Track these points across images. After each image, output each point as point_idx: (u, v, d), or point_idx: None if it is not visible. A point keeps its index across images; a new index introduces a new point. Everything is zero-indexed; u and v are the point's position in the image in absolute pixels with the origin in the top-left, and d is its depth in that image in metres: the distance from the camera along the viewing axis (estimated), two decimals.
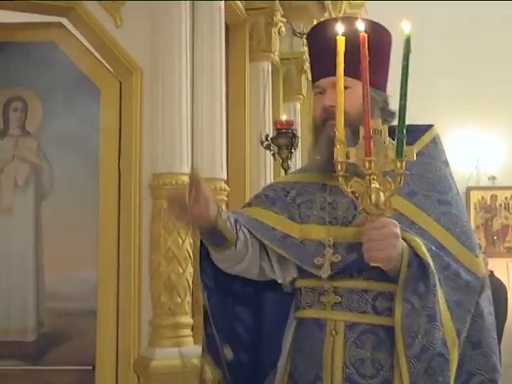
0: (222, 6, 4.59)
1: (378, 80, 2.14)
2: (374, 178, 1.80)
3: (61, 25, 4.37)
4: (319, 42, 2.20)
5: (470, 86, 12.18)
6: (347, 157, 1.85)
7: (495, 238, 13.13)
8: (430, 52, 11.86)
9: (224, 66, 4.60)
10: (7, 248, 4.36)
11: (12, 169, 4.40)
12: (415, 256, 1.93)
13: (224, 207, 4.41)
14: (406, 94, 1.79)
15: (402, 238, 1.93)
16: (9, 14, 4.29)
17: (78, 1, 4.18)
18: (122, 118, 4.32)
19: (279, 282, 2.26)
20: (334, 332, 2.10)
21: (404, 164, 1.79)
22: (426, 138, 2.18)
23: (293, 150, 4.98)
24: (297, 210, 2.23)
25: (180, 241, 4.12)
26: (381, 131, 1.86)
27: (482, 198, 12.84)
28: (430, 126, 2.25)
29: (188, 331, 4.18)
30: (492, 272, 8.66)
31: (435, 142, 2.20)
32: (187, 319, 4.18)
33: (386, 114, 2.17)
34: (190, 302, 4.20)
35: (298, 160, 6.03)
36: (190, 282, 4.19)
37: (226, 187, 4.48)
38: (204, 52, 4.46)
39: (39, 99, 4.43)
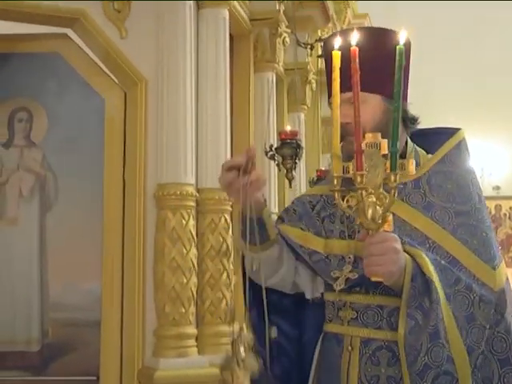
0: (227, 17, 4.61)
1: (391, 88, 2.09)
2: (371, 193, 1.78)
3: (66, 36, 4.39)
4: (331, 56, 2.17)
5: (473, 95, 12.18)
6: (347, 171, 1.83)
7: (500, 247, 13.10)
8: (433, 60, 11.87)
9: (228, 77, 4.62)
10: (12, 258, 4.37)
11: (17, 179, 4.41)
12: (420, 271, 1.90)
13: (228, 218, 4.41)
14: (399, 107, 1.76)
15: (409, 253, 1.92)
16: (14, 25, 4.31)
17: (84, 11, 4.20)
18: (127, 129, 4.34)
19: (307, 297, 2.27)
20: (349, 348, 2.10)
21: (398, 177, 1.76)
22: (450, 144, 2.13)
23: (297, 161, 4.97)
24: (321, 224, 2.23)
25: (184, 251, 4.12)
26: (379, 144, 1.82)
27: (487, 207, 12.83)
28: (457, 130, 2.19)
29: (192, 341, 4.18)
30: None
31: (459, 147, 2.14)
32: (191, 329, 4.18)
33: (406, 123, 2.15)
34: (194, 313, 4.20)
35: (302, 170, 6.03)
36: (195, 293, 4.19)
37: None
38: (209, 63, 4.47)
39: (44, 110, 4.45)
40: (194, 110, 4.33)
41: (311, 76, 6.73)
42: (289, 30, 5.76)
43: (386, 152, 1.78)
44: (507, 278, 2.01)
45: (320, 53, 7.11)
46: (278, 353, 2.29)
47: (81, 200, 4.37)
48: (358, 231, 2.09)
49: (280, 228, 2.28)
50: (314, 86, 6.90)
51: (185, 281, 4.11)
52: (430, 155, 2.18)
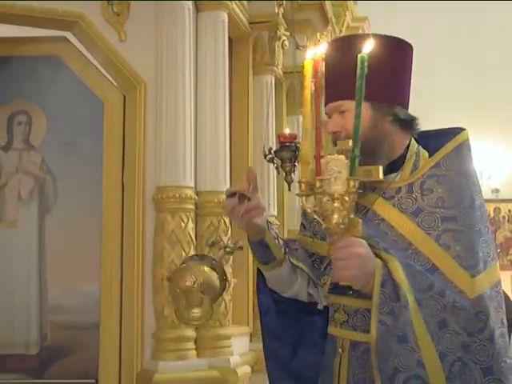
0: (226, 20, 4.62)
1: (380, 93, 2.09)
2: (337, 198, 1.79)
3: (65, 39, 4.39)
4: (325, 66, 2.19)
5: (473, 96, 12.19)
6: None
7: (499, 250, 13.10)
8: (432, 62, 11.87)
9: (227, 80, 4.62)
10: (11, 261, 4.37)
11: (16, 182, 4.42)
12: (391, 277, 1.89)
13: (227, 220, 4.41)
14: (359, 114, 1.78)
15: (381, 259, 1.92)
16: (13, 28, 4.32)
17: (83, 14, 4.20)
18: (126, 132, 4.34)
19: (318, 308, 2.29)
20: (340, 350, 2.13)
21: (356, 183, 1.78)
22: (448, 147, 2.09)
23: (296, 164, 4.97)
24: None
25: (183, 254, 4.12)
26: (347, 151, 1.85)
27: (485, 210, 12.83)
28: (459, 132, 2.15)
29: (191, 344, 4.18)
30: None
31: (459, 149, 2.09)
32: (190, 332, 4.18)
33: (404, 126, 2.14)
34: None
35: (301, 173, 6.02)
36: None
37: None
38: (208, 66, 4.48)
39: (43, 113, 4.45)
40: (192, 113, 4.33)
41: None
42: (288, 33, 5.77)
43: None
44: (496, 285, 1.98)
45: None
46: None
47: (80, 203, 4.38)
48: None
49: (298, 239, 2.36)
50: (313, 89, 6.89)
51: None
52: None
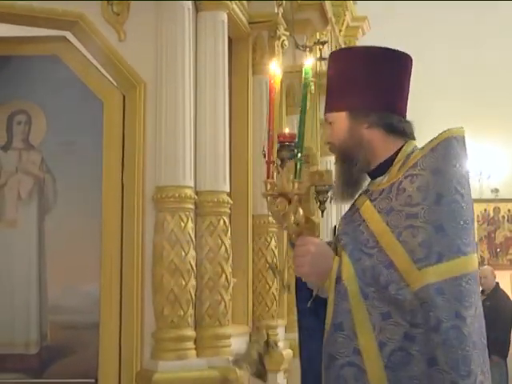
0: (226, 20, 4.62)
1: (354, 102, 2.22)
2: (298, 200, 1.98)
3: (64, 38, 4.39)
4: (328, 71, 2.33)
5: (472, 98, 12.18)
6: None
7: (498, 250, 13.11)
8: (432, 62, 11.87)
9: (227, 80, 4.62)
10: (11, 261, 4.37)
11: (15, 182, 4.42)
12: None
13: (226, 220, 4.42)
14: (304, 120, 1.98)
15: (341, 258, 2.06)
16: (13, 28, 4.32)
17: (83, 14, 4.20)
18: (126, 132, 4.34)
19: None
20: None
21: (297, 185, 2.00)
22: (428, 147, 2.15)
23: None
24: None
25: (183, 254, 4.13)
26: (308, 156, 2.05)
27: (485, 210, 12.84)
28: (442, 133, 2.19)
29: (191, 344, 4.18)
30: (497, 284, 8.67)
31: (435, 149, 2.13)
32: (190, 332, 4.18)
33: (383, 130, 2.21)
34: (192, 315, 4.20)
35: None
36: (193, 295, 4.19)
37: (229, 200, 4.48)
38: (207, 65, 4.48)
39: (43, 112, 4.45)
40: (192, 113, 4.33)
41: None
42: (287, 33, 5.77)
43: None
44: (458, 278, 2.00)
45: (319, 55, 7.12)
46: None
47: (79, 203, 4.38)
48: None
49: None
50: (313, 88, 6.90)
51: (183, 283, 4.12)
52: None
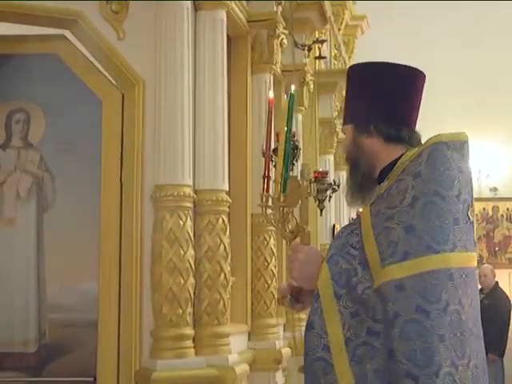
0: (224, 18, 4.62)
1: (356, 115, 2.42)
2: (291, 211, 2.22)
3: (63, 37, 4.39)
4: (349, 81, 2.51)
5: (472, 96, 12.19)
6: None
7: (497, 248, 13.13)
8: (431, 62, 11.86)
9: (226, 78, 4.62)
10: (9, 259, 4.37)
11: (14, 180, 4.42)
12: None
13: (225, 219, 4.42)
14: (289, 138, 2.20)
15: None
16: (12, 27, 4.32)
17: (82, 12, 4.20)
18: (124, 130, 4.34)
19: None
20: None
21: (283, 199, 2.25)
22: (415, 154, 2.24)
23: (294, 162, 4.99)
24: None
25: (182, 252, 4.13)
26: (302, 170, 2.29)
27: (484, 209, 12.85)
28: (430, 139, 2.28)
29: (189, 342, 4.18)
30: (497, 282, 8.68)
31: (420, 155, 2.23)
32: (189, 330, 4.18)
33: (383, 139, 2.36)
34: (191, 314, 4.20)
35: (299, 171, 6.03)
36: (192, 294, 4.19)
37: (228, 198, 4.49)
38: (206, 64, 4.48)
39: (42, 111, 4.45)
40: (191, 112, 4.33)
41: (309, 77, 6.74)
42: (286, 32, 5.77)
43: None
44: (424, 273, 2.08)
45: (317, 54, 7.13)
46: None
47: (78, 201, 4.37)
48: None
49: None
50: (312, 87, 6.91)
51: (182, 282, 4.12)
52: None
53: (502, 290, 8.72)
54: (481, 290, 8.15)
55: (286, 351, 5.37)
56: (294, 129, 5.91)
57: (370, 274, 2.14)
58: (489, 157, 12.34)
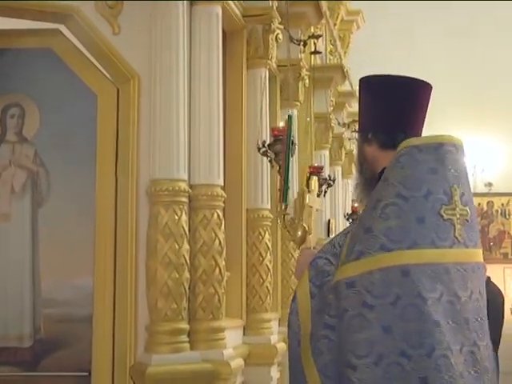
0: (220, 13, 4.61)
1: (359, 125, 2.65)
2: (301, 219, 2.53)
3: (58, 31, 4.38)
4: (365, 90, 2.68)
5: (467, 92, 12.20)
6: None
7: (492, 244, 13.15)
8: (428, 57, 11.88)
9: (221, 73, 4.62)
10: (4, 254, 4.36)
11: (9, 175, 4.41)
12: None
13: (220, 213, 4.42)
14: (288, 155, 2.67)
15: None
16: (6, 21, 4.30)
17: (77, 7, 4.20)
18: (120, 125, 4.33)
19: None
20: None
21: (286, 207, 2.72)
22: (392, 162, 2.38)
23: (290, 157, 4.99)
24: None
25: (177, 247, 4.13)
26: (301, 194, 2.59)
27: (479, 204, 12.87)
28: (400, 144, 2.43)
29: (185, 337, 4.18)
30: (489, 278, 8.69)
31: (391, 161, 2.36)
32: (184, 325, 4.18)
33: (378, 146, 2.52)
34: (186, 308, 4.20)
35: (295, 167, 6.04)
36: (187, 288, 4.20)
37: (223, 193, 4.49)
38: (201, 59, 4.47)
39: (36, 105, 4.44)
40: (186, 106, 4.33)
41: (304, 72, 6.73)
42: (282, 27, 5.77)
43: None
44: (372, 271, 2.20)
45: (313, 49, 7.13)
46: None
47: (73, 196, 4.37)
48: None
49: None
50: (307, 82, 6.91)
51: (177, 276, 4.12)
52: None
53: (494, 284, 8.73)
54: None
55: (281, 346, 5.38)
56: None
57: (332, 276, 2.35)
58: (484, 152, 12.36)
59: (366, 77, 2.59)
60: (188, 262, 4.20)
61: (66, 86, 4.40)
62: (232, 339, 4.71)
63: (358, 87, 2.63)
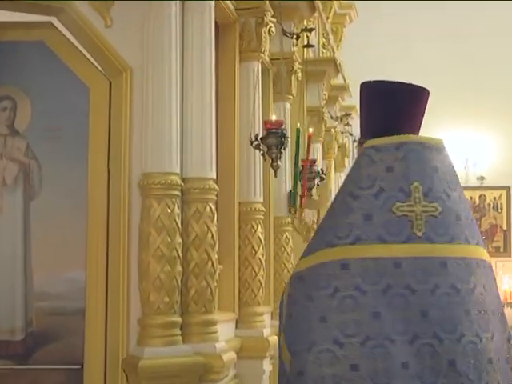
0: (213, 6, 4.60)
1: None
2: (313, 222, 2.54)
3: (50, 24, 4.36)
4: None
5: (460, 87, 12.23)
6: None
7: (484, 237, 13.18)
8: (423, 53, 11.89)
9: (214, 66, 4.61)
10: None
11: (0, 168, 4.40)
12: None
13: (213, 207, 4.42)
14: (297, 162, 2.54)
15: None
16: None
17: (69, 1, 4.18)
18: (112, 118, 4.33)
19: None
20: None
21: (297, 211, 2.54)
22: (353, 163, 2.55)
23: (282, 150, 5.00)
24: None
25: (169, 240, 4.13)
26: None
27: (471, 198, 12.90)
28: None
29: (177, 330, 4.19)
30: None
31: (354, 162, 2.54)
32: (176, 318, 4.18)
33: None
34: (178, 302, 4.20)
35: (287, 160, 6.04)
36: (179, 282, 4.20)
37: (216, 187, 4.49)
38: (194, 52, 4.46)
39: (28, 98, 4.43)
40: (179, 100, 4.32)
41: (297, 66, 6.73)
42: (275, 20, 5.76)
43: None
44: (316, 265, 2.34)
45: (306, 42, 7.12)
46: None
47: (65, 189, 4.36)
48: None
49: None
50: (300, 75, 6.90)
51: (169, 270, 4.12)
52: None
53: None
54: None
55: (274, 339, 5.39)
56: (282, 117, 5.93)
57: None
58: (476, 146, 12.38)
59: (364, 82, 2.64)
60: (180, 255, 4.20)
61: (58, 78, 4.39)
62: (224, 332, 4.71)
63: (355, 86, 2.70)
